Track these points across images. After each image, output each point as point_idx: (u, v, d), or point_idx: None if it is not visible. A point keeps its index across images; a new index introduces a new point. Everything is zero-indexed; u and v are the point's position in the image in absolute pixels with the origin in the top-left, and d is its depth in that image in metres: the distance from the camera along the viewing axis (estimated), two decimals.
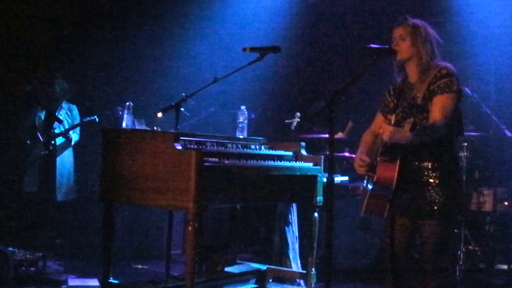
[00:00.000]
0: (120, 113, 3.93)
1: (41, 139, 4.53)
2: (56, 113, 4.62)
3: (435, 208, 2.39)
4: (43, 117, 4.59)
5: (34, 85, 4.11)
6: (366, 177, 2.53)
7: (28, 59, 5.07)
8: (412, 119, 2.30)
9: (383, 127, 2.36)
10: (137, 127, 2.93)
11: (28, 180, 4.63)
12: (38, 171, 4.58)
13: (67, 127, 4.61)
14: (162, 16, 5.42)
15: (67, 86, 4.73)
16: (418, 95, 2.41)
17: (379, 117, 2.64)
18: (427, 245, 2.43)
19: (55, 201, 4.57)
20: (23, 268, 3.70)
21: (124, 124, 2.91)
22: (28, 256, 3.75)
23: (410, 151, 2.40)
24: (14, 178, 4.86)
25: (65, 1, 5.27)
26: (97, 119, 4.45)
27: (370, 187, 2.46)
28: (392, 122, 2.38)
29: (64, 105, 4.70)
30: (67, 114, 4.71)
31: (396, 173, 2.36)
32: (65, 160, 4.71)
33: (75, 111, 4.75)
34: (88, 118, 4.50)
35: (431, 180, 2.41)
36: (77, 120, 4.67)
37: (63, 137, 4.59)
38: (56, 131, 4.60)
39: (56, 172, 4.57)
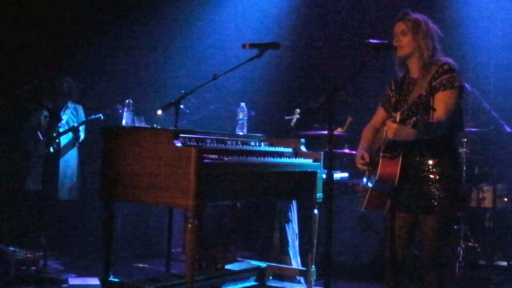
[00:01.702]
0: (120, 111, 3.93)
1: (41, 138, 4.53)
2: (62, 113, 4.64)
3: (435, 204, 2.39)
4: (48, 116, 4.59)
5: (34, 84, 4.11)
6: (366, 173, 2.53)
7: (29, 59, 5.07)
8: (414, 117, 2.30)
9: (388, 125, 2.36)
10: (137, 124, 2.93)
11: (31, 179, 4.63)
12: (41, 170, 4.58)
13: (71, 125, 4.61)
14: (161, 14, 5.41)
15: (75, 86, 4.73)
16: (423, 92, 2.41)
17: (380, 112, 2.63)
18: (426, 241, 2.44)
19: (58, 200, 4.57)
20: (24, 268, 3.71)
21: (124, 122, 2.90)
22: (29, 255, 3.76)
23: (411, 147, 2.40)
24: (17, 176, 4.86)
25: (66, 0, 5.27)
26: (102, 117, 4.44)
27: (370, 184, 2.46)
28: (397, 119, 2.38)
29: (70, 105, 4.71)
30: (73, 114, 4.72)
31: (399, 170, 2.37)
32: (70, 160, 4.71)
33: (81, 111, 4.76)
34: (93, 116, 4.49)
35: (432, 176, 2.41)
36: (83, 120, 4.67)
37: (73, 132, 4.59)
38: (61, 130, 4.60)
39: (59, 171, 4.56)
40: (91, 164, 4.96)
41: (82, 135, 4.71)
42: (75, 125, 4.58)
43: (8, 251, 3.61)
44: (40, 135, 4.57)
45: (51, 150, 4.54)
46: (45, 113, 4.59)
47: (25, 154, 4.78)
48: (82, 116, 4.73)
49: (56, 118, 4.15)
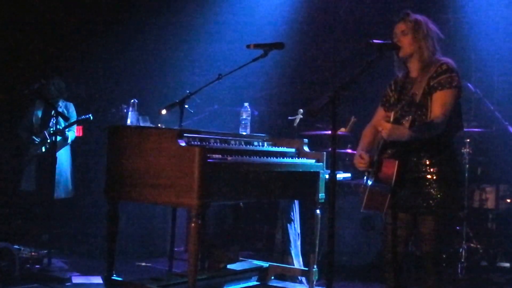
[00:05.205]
0: (125, 110, 3.95)
1: (48, 138, 4.55)
2: (52, 112, 4.63)
3: (432, 204, 2.39)
4: (40, 116, 4.62)
5: (42, 83, 4.14)
6: (366, 173, 2.53)
7: (31, 59, 5.09)
8: (410, 117, 2.30)
9: (381, 125, 2.37)
10: (142, 124, 2.94)
11: (25, 179, 4.64)
12: (35, 169, 4.59)
13: (63, 125, 4.62)
14: (166, 14, 5.43)
15: (63, 86, 4.73)
16: (417, 92, 2.42)
17: (380, 111, 2.64)
18: (425, 241, 2.44)
19: (54, 199, 4.58)
20: (28, 266, 3.73)
21: (128, 121, 2.92)
22: (33, 253, 3.78)
23: (408, 147, 2.40)
24: (11, 177, 4.88)
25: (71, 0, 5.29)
26: (91, 117, 4.45)
27: (369, 183, 2.46)
28: (391, 119, 2.38)
29: (61, 103, 4.70)
30: (64, 112, 4.71)
31: (396, 170, 2.37)
32: (62, 158, 4.71)
33: (72, 108, 4.75)
34: (82, 116, 4.51)
35: (429, 176, 2.41)
36: (74, 118, 4.68)
37: (59, 135, 4.60)
38: (51, 130, 4.60)
39: (55, 171, 4.58)
40: (86, 163, 4.98)
41: (73, 135, 4.71)
42: (60, 127, 4.57)
43: (13, 249, 3.64)
44: (46, 134, 4.59)
45: (43, 149, 4.56)
46: (38, 112, 4.64)
47: (20, 154, 4.79)
48: (73, 113, 4.73)
49: (62, 117, 4.18)
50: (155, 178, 2.58)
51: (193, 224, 2.49)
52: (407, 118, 2.33)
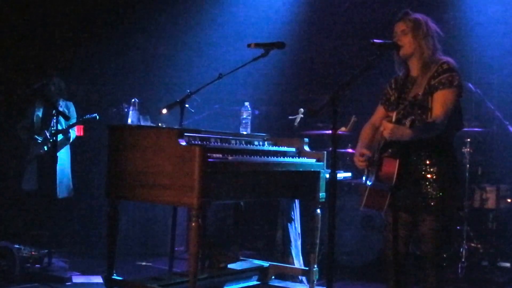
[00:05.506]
0: (126, 109, 3.95)
1: (48, 137, 4.56)
2: (53, 112, 4.63)
3: (432, 203, 2.39)
4: (40, 115, 4.62)
5: (43, 83, 4.14)
6: (365, 171, 2.53)
7: (31, 59, 5.08)
8: (412, 117, 2.30)
9: (383, 125, 2.37)
10: (142, 123, 2.95)
11: (26, 178, 4.64)
12: (36, 168, 4.60)
13: (64, 125, 4.62)
14: (166, 13, 5.43)
15: (63, 85, 4.73)
16: (418, 92, 2.42)
17: (380, 110, 2.64)
18: (425, 241, 2.43)
19: (56, 199, 4.58)
20: (29, 265, 3.73)
21: (129, 121, 2.92)
22: (33, 253, 3.78)
23: (409, 146, 2.40)
24: (12, 176, 4.88)
25: None
26: (97, 117, 4.46)
27: (369, 182, 2.46)
28: (393, 119, 2.38)
29: (61, 103, 4.70)
30: (65, 112, 4.71)
31: (397, 169, 2.37)
32: (63, 158, 4.72)
33: (72, 108, 4.75)
34: (88, 116, 4.51)
35: (429, 176, 2.41)
36: (74, 118, 4.68)
37: (63, 134, 4.60)
38: (53, 130, 4.60)
39: (56, 170, 4.58)
40: (86, 162, 4.98)
41: (73, 134, 4.71)
42: (64, 127, 4.57)
43: (13, 248, 3.64)
44: (47, 133, 4.59)
45: (45, 149, 4.56)
46: (39, 112, 4.64)
47: (21, 153, 4.79)
48: (73, 113, 4.72)
49: (64, 117, 4.19)
50: (155, 177, 2.58)
51: (193, 224, 2.49)
52: (408, 118, 2.33)
